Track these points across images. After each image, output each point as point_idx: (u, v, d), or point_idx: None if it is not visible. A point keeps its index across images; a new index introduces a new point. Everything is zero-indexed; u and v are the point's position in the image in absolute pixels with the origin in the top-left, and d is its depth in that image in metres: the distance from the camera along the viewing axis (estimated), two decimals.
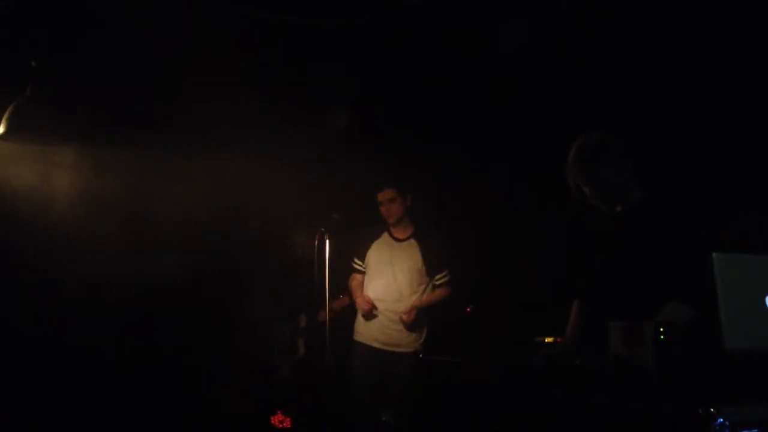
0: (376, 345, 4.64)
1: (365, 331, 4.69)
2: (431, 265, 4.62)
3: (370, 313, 4.64)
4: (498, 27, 4.28)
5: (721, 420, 1.85)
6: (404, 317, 4.53)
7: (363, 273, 4.80)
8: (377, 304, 4.65)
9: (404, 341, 4.59)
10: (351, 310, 4.88)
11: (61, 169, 4.64)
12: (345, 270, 4.86)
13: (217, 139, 4.90)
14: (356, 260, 4.84)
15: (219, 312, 5.03)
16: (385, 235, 4.76)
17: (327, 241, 4.38)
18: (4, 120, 4.03)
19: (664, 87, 3.69)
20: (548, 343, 2.89)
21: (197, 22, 4.35)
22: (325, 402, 4.77)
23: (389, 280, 4.64)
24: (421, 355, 4.32)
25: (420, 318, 4.61)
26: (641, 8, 3.68)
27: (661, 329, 2.16)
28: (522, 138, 4.39)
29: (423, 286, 4.64)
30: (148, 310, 4.78)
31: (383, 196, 4.67)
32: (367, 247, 4.76)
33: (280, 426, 5.25)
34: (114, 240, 4.76)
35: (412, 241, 4.69)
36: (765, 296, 2.19)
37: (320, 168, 5.12)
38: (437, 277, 4.65)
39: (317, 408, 4.93)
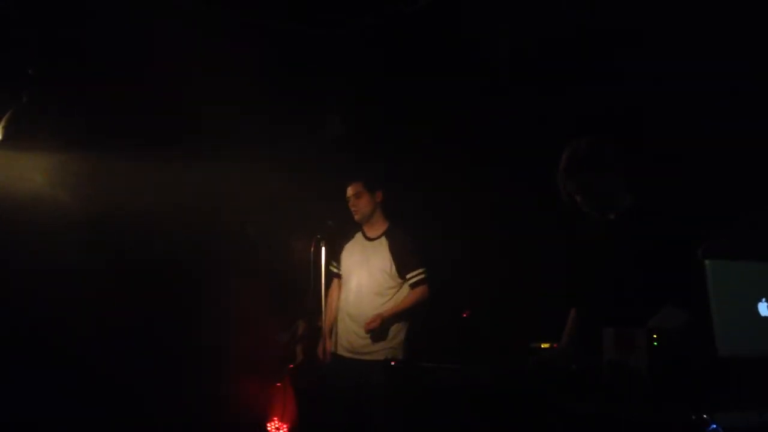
0: (345, 354, 4.33)
1: (332, 339, 4.40)
2: (402, 263, 4.28)
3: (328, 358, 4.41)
4: (496, 30, 4.30)
5: (714, 426, 1.85)
6: (367, 325, 4.20)
7: (339, 276, 4.49)
8: (343, 308, 4.39)
9: (374, 348, 4.24)
10: None
11: (58, 174, 4.64)
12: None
13: (214, 144, 4.92)
14: (333, 263, 4.52)
15: (216, 318, 5.03)
16: (358, 234, 4.47)
17: (323, 248, 4.35)
18: (1, 126, 4.05)
19: (655, 91, 3.69)
20: (544, 348, 2.89)
21: (195, 27, 4.38)
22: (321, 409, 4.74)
23: (356, 284, 4.34)
24: (393, 362, 3.90)
25: (391, 323, 4.27)
26: (635, 11, 3.70)
27: (655, 335, 2.16)
28: (521, 140, 4.39)
29: (393, 289, 4.30)
30: (146, 315, 4.78)
31: (350, 191, 4.39)
32: (341, 248, 4.47)
33: None
34: (111, 244, 4.77)
35: (383, 240, 4.37)
36: (757, 302, 2.20)
37: (317, 171, 5.12)
38: (409, 276, 4.28)
39: (314, 415, 4.92)
